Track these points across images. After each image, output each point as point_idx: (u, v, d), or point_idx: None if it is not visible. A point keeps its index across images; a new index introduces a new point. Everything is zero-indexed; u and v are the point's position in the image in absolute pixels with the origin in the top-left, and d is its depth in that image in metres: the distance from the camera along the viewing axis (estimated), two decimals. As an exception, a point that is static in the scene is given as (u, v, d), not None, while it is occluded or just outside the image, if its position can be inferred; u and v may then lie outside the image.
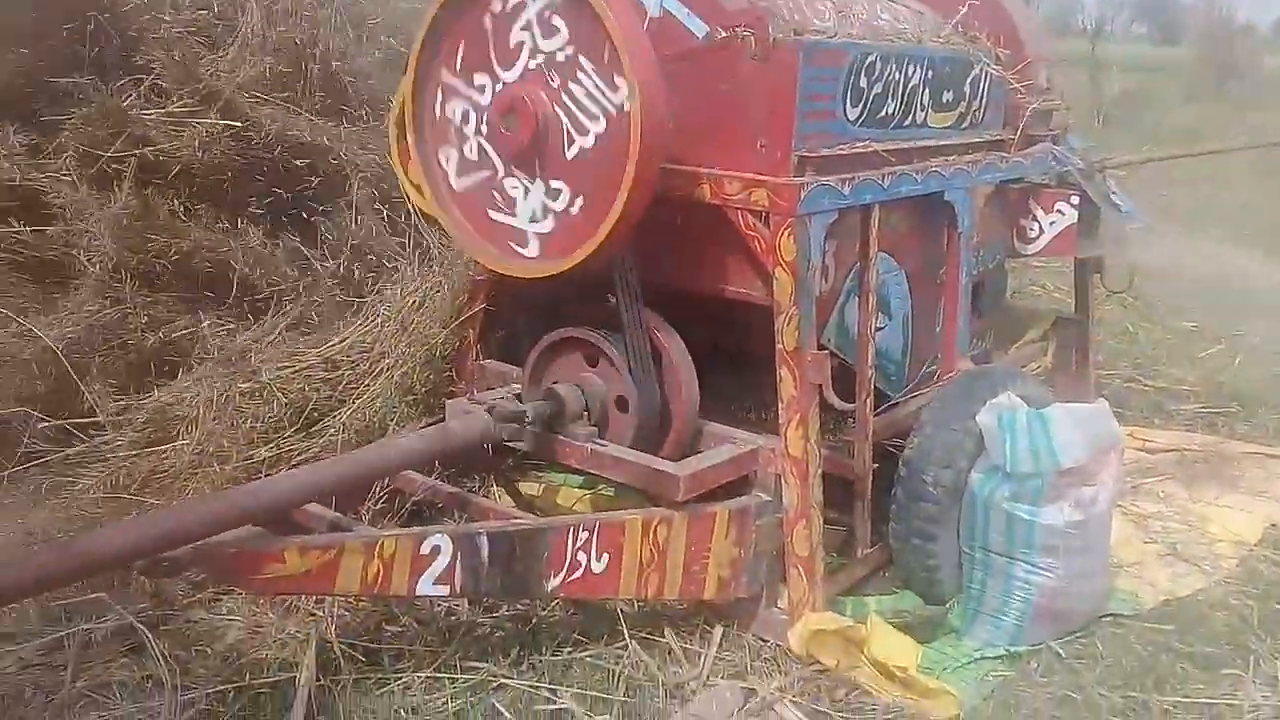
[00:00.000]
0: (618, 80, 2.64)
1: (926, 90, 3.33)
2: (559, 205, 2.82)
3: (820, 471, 2.97)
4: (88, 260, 3.34)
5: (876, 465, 3.22)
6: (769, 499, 2.98)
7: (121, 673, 2.60)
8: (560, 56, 2.73)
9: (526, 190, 2.86)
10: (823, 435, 3.00)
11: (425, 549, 2.54)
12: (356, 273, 3.70)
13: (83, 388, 3.21)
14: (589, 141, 2.73)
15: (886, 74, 3.14)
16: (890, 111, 3.20)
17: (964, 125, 3.56)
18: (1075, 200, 3.94)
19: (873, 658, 2.82)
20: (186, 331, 3.43)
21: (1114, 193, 4.12)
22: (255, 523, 2.43)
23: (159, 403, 3.22)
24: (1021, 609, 3.00)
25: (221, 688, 2.56)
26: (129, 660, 2.65)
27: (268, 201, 3.75)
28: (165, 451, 3.12)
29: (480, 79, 2.86)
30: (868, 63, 3.06)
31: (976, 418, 3.09)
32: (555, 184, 2.82)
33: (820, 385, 2.90)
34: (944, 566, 3.15)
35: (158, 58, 3.54)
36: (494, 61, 2.83)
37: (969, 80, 3.53)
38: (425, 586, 2.56)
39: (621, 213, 2.68)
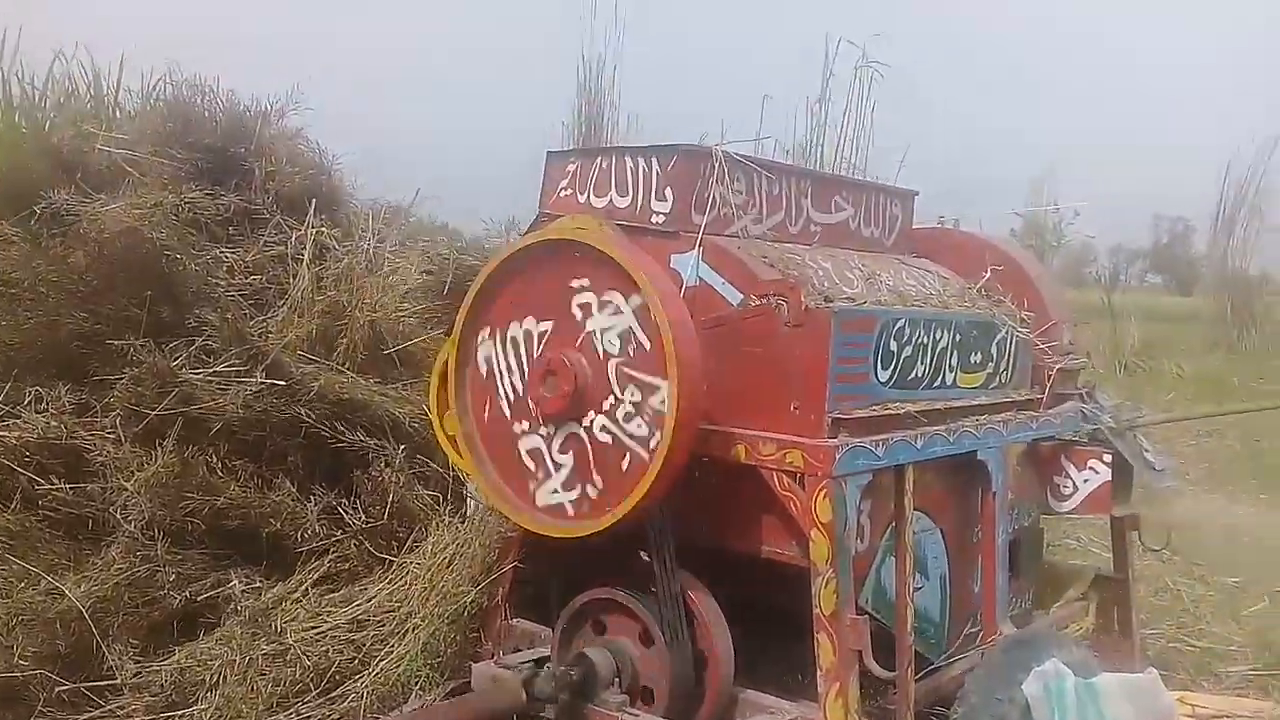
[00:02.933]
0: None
1: (955, 352, 3.40)
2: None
3: (863, 744, 2.84)
4: (122, 517, 3.36)
5: (921, 735, 3.08)
6: (811, 776, 2.84)
7: None
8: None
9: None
10: (863, 703, 2.89)
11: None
12: (389, 527, 3.69)
13: (104, 647, 3.15)
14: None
15: (915, 337, 3.22)
16: (920, 373, 3.26)
17: (993, 385, 3.61)
18: (1108, 458, 3.92)
19: None
20: (213, 591, 3.39)
21: (1147, 450, 4.11)
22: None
23: (179, 665, 3.15)
24: None
25: None
26: None
27: (305, 456, 3.79)
28: (182, 717, 3.02)
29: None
30: (897, 327, 3.14)
31: (1023, 687, 2.98)
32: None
33: (859, 652, 2.82)
34: None
35: (210, 320, 3.68)
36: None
37: (995, 342, 3.60)
38: None
39: (656, 476, 2.69)
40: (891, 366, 3.14)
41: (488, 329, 3.01)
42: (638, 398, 2.77)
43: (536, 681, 2.80)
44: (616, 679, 2.92)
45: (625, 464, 2.80)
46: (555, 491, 2.92)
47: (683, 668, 2.89)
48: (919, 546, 3.28)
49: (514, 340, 2.96)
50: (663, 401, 2.70)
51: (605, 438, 2.84)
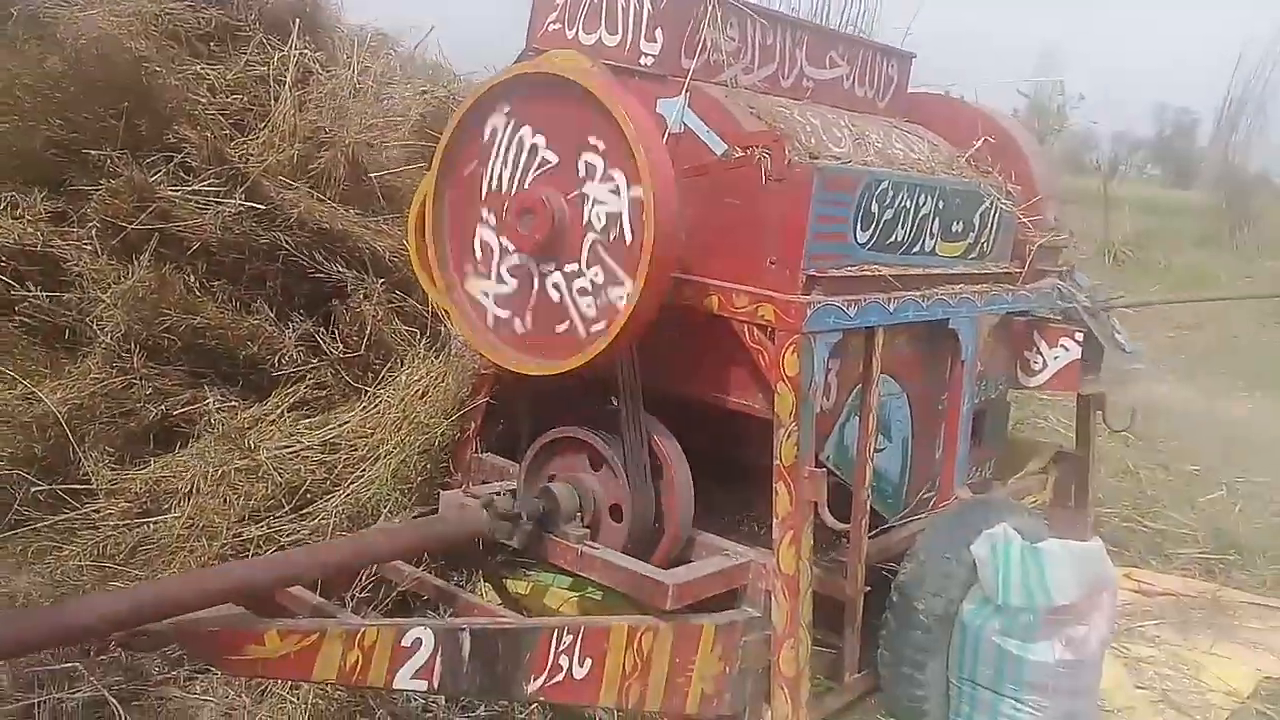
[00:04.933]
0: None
1: (936, 219, 3.40)
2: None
3: (811, 591, 2.94)
4: (99, 329, 3.38)
5: (869, 589, 3.19)
6: (758, 615, 2.95)
7: (87, 747, 2.57)
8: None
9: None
10: (816, 554, 2.99)
11: (406, 641, 2.51)
12: (365, 358, 3.72)
13: (80, 454, 3.21)
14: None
15: (898, 201, 3.21)
16: (900, 238, 3.26)
17: (972, 255, 3.62)
18: (1079, 336, 3.96)
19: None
20: (189, 406, 3.44)
21: (1119, 332, 4.15)
22: (238, 602, 2.41)
23: (154, 474, 3.22)
24: (1007, 746, 2.95)
25: (187, 771, 2.52)
26: (96, 734, 2.61)
27: (283, 283, 3.80)
28: (155, 524, 3.11)
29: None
30: (879, 189, 3.13)
31: (970, 547, 3.08)
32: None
33: (815, 503, 2.90)
34: (931, 697, 3.12)
35: (189, 137, 3.63)
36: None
37: (979, 212, 3.60)
38: (403, 680, 2.52)
39: (626, 321, 2.71)
40: (871, 228, 3.14)
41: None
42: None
43: (500, 509, 2.87)
44: (579, 513, 3.00)
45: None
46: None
47: (644, 506, 2.97)
48: (884, 409, 3.34)
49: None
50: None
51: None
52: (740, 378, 3.03)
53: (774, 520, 2.92)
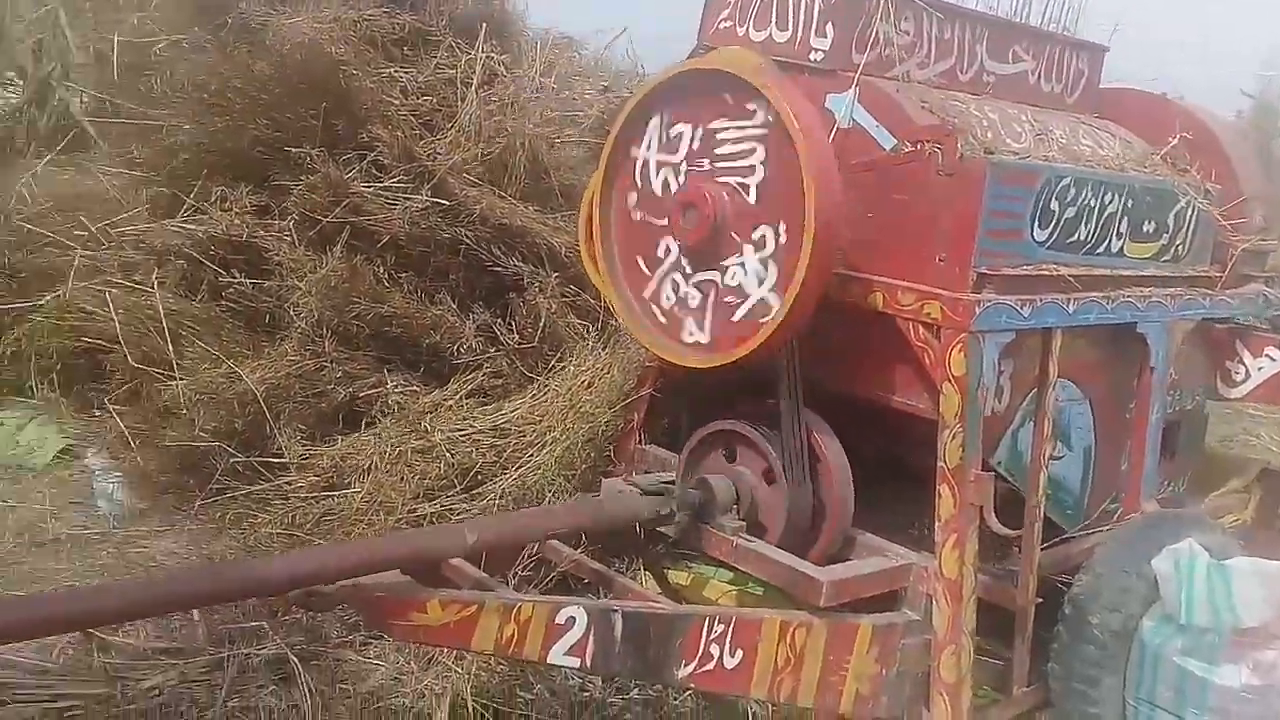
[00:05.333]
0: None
1: (1125, 219, 3.24)
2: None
3: (975, 597, 2.85)
4: (295, 315, 3.62)
5: (1042, 600, 3.07)
6: (918, 619, 2.88)
7: (270, 699, 2.78)
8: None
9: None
10: (987, 562, 2.90)
11: (560, 618, 2.57)
12: (539, 349, 3.85)
13: (275, 430, 3.46)
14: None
15: (1081, 199, 3.08)
16: (1083, 237, 3.13)
17: (1165, 257, 3.43)
18: (1289, 347, 3.71)
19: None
20: (374, 390, 3.65)
21: (1333, 344, 3.86)
22: (405, 570, 2.53)
23: (339, 451, 3.43)
24: (1186, 773, 2.79)
25: (356, 728, 2.68)
26: (278, 688, 2.82)
27: (465, 276, 3.97)
28: (339, 497, 3.31)
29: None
30: (1060, 185, 3.01)
31: (1152, 563, 2.93)
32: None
33: (981, 508, 2.81)
34: (1106, 716, 2.97)
35: (381, 137, 3.85)
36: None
37: (1173, 213, 3.41)
38: (557, 655, 2.59)
39: (785, 315, 2.70)
40: (1050, 226, 3.02)
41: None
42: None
43: (658, 497, 2.91)
44: (735, 506, 3.00)
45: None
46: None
47: (801, 503, 2.95)
48: (1064, 415, 3.22)
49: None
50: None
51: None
52: (905, 376, 2.97)
53: (937, 524, 2.84)
